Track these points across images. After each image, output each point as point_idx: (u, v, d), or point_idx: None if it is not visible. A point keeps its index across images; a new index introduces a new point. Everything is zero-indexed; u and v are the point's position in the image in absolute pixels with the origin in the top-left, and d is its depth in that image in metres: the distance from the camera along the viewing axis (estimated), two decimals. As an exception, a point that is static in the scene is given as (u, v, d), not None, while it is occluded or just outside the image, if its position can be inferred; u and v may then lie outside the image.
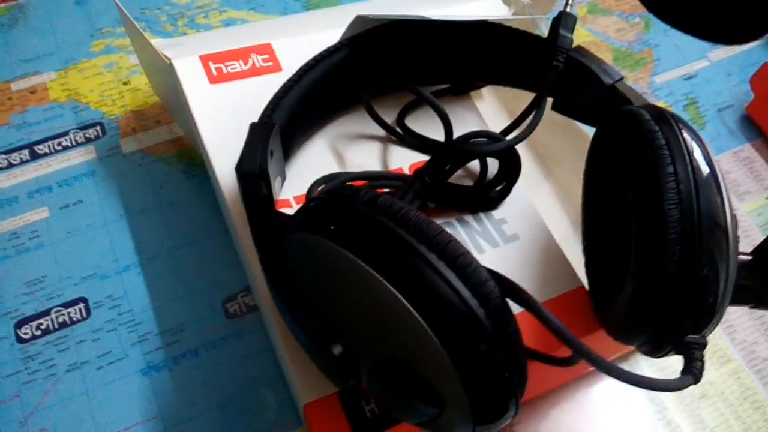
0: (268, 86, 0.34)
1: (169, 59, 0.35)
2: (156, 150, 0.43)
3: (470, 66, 0.33)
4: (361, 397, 0.26)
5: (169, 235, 0.40)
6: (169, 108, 0.42)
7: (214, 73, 0.34)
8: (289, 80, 0.30)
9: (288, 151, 0.30)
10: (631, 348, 0.29)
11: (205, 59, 0.34)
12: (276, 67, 0.35)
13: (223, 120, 0.32)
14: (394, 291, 0.19)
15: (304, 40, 0.36)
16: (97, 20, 0.49)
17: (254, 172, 0.26)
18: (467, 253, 0.19)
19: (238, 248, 0.35)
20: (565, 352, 0.21)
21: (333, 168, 0.32)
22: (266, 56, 0.35)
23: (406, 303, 0.19)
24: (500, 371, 0.19)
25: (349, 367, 0.21)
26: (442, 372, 0.19)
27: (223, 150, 0.32)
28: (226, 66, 0.34)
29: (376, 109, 0.33)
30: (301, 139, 0.32)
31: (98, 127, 0.44)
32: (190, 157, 0.43)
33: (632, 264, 0.22)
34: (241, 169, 0.27)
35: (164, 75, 0.37)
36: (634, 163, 0.23)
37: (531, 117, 0.30)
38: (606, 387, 0.36)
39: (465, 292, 0.19)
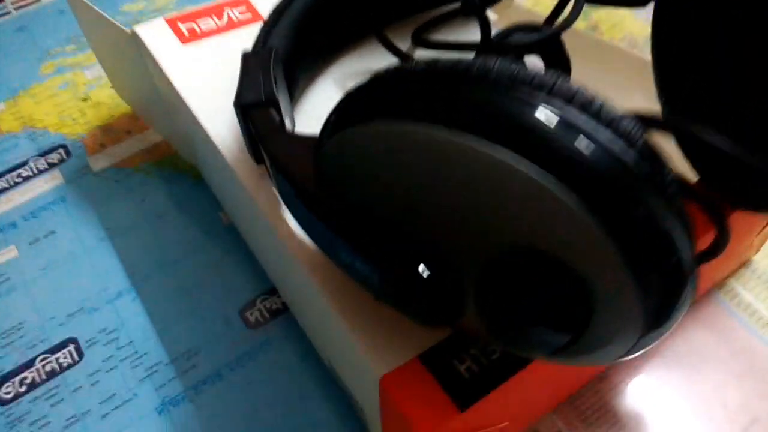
0: (251, 38, 0.28)
1: (130, 30, 0.29)
2: (131, 162, 0.37)
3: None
4: (450, 354, 0.19)
5: (161, 250, 0.33)
6: (142, 110, 0.36)
7: (186, 33, 0.28)
8: (281, 3, 0.24)
9: (290, 94, 0.25)
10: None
11: (172, 21, 0.29)
12: (256, 17, 0.29)
13: (206, 81, 0.27)
14: (509, 152, 0.13)
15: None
16: (43, 42, 0.43)
17: (259, 101, 0.21)
18: (600, 97, 0.13)
19: (255, 240, 0.28)
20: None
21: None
22: (242, 8, 0.30)
23: (529, 165, 0.12)
24: (670, 243, 0.13)
25: (449, 289, 0.15)
26: (593, 251, 0.13)
27: (215, 113, 0.26)
28: (199, 24, 0.29)
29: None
30: (302, 78, 0.26)
31: (61, 150, 0.38)
32: (173, 164, 0.37)
33: None
34: (241, 101, 0.21)
35: (128, 57, 0.31)
36: None
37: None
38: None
39: (614, 141, 0.13)
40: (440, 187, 0.14)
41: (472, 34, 0.30)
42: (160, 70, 0.28)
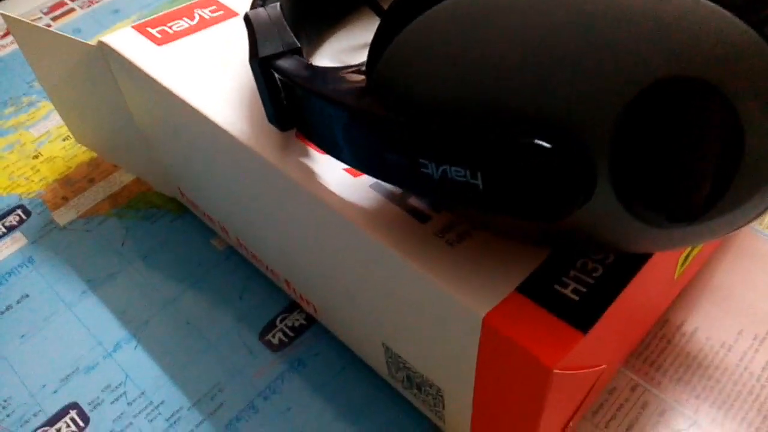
0: (230, 31, 0.26)
1: (96, 42, 0.26)
2: (101, 209, 0.33)
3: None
4: (550, 280, 0.17)
5: (155, 289, 0.30)
6: (108, 148, 0.33)
7: (158, 36, 0.26)
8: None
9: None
10: None
11: (140, 27, 0.26)
12: (230, 13, 0.27)
13: (194, 74, 0.24)
14: None
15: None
16: (-24, 110, 0.39)
17: (282, 50, 0.19)
18: None
19: (276, 236, 0.25)
20: None
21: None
22: (213, 7, 0.28)
23: None
24: None
25: (577, 159, 0.13)
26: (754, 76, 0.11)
27: (215, 101, 0.23)
28: (170, 27, 0.26)
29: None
30: (303, 46, 0.24)
31: (19, 211, 0.34)
32: (148, 201, 0.34)
33: None
34: (260, 54, 0.18)
35: (92, 79, 0.28)
36: None
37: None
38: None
39: None
40: (563, 32, 0.12)
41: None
42: (140, 76, 0.25)
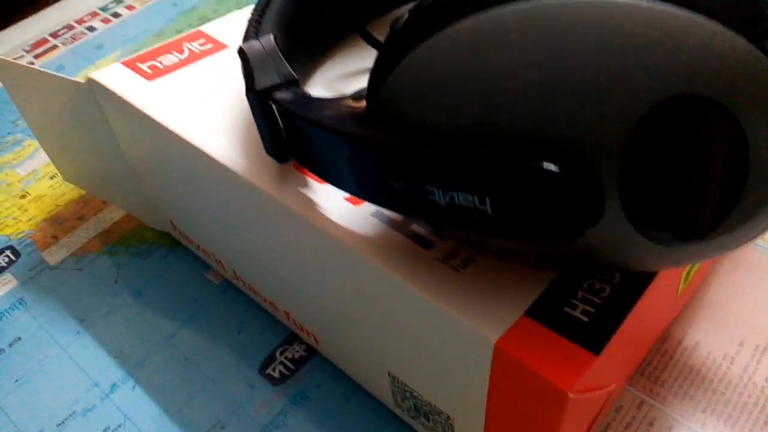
0: (221, 64, 0.26)
1: (85, 78, 0.26)
2: (92, 247, 0.33)
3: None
4: (559, 303, 0.17)
5: (150, 326, 0.29)
6: (96, 185, 0.32)
7: (148, 71, 0.26)
8: (261, 4, 0.22)
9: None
10: None
11: (130, 63, 0.26)
12: (219, 46, 0.27)
13: (186, 108, 0.24)
14: None
15: (234, 17, 0.29)
16: (-40, 151, 0.39)
17: (279, 82, 0.18)
18: None
19: (275, 267, 0.25)
20: None
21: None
22: (201, 41, 0.27)
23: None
24: None
25: (585, 181, 0.13)
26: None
27: (209, 134, 0.23)
28: (160, 61, 0.26)
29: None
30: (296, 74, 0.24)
31: (8, 252, 0.33)
32: (139, 237, 0.33)
33: None
34: (256, 87, 0.18)
35: (80, 116, 0.28)
36: None
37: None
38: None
39: None
40: (569, 52, 0.12)
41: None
42: (131, 112, 0.25)
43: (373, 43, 0.26)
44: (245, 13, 0.30)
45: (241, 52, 0.20)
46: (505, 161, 0.13)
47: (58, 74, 0.27)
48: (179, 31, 0.48)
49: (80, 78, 0.44)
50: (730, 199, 0.13)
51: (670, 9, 0.12)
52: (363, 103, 0.17)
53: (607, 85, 0.12)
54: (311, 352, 0.28)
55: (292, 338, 0.28)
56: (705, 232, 0.14)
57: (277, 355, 0.28)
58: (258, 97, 0.19)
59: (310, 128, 0.17)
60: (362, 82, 0.26)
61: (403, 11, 0.29)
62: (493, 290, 0.17)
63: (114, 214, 0.35)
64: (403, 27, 0.15)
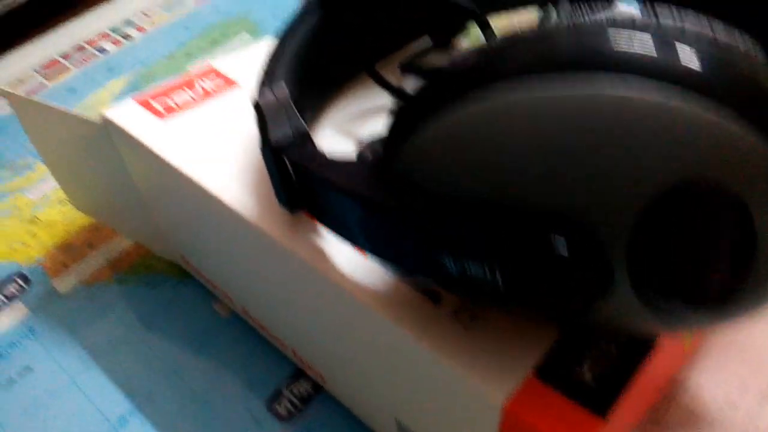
0: (233, 103, 0.27)
1: (100, 117, 0.27)
2: (102, 275, 0.33)
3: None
4: (567, 363, 0.17)
5: (159, 358, 0.30)
6: (108, 215, 0.33)
7: (161, 109, 0.26)
8: (273, 51, 0.23)
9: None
10: None
11: (143, 101, 0.27)
12: (228, 82, 0.28)
13: (199, 150, 0.24)
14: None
15: (243, 54, 0.30)
16: (-28, 174, 0.39)
17: (293, 139, 0.19)
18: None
19: (283, 310, 0.25)
20: None
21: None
22: (211, 76, 0.28)
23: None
24: None
25: (593, 258, 0.13)
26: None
27: (222, 178, 0.23)
28: (173, 99, 0.27)
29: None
30: (308, 120, 0.24)
31: (19, 280, 0.34)
32: (149, 267, 0.34)
33: None
34: (272, 143, 0.19)
35: (94, 152, 0.28)
36: None
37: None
38: None
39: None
40: (584, 143, 0.13)
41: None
42: (144, 152, 0.25)
43: (382, 83, 0.26)
44: (254, 50, 0.30)
45: (257, 107, 0.20)
46: (516, 236, 0.13)
47: (72, 112, 0.27)
48: (190, 55, 0.48)
49: (90, 102, 0.44)
50: (740, 274, 0.14)
51: (678, 101, 0.13)
52: (376, 167, 0.17)
53: (617, 172, 0.13)
54: (318, 388, 0.28)
55: (298, 373, 0.29)
56: (712, 307, 0.14)
57: (284, 390, 0.28)
58: (272, 151, 0.19)
59: (323, 186, 0.18)
60: (372, 123, 0.26)
61: (410, 53, 0.29)
62: (500, 348, 0.18)
63: (124, 243, 0.35)
64: (421, 94, 0.15)
